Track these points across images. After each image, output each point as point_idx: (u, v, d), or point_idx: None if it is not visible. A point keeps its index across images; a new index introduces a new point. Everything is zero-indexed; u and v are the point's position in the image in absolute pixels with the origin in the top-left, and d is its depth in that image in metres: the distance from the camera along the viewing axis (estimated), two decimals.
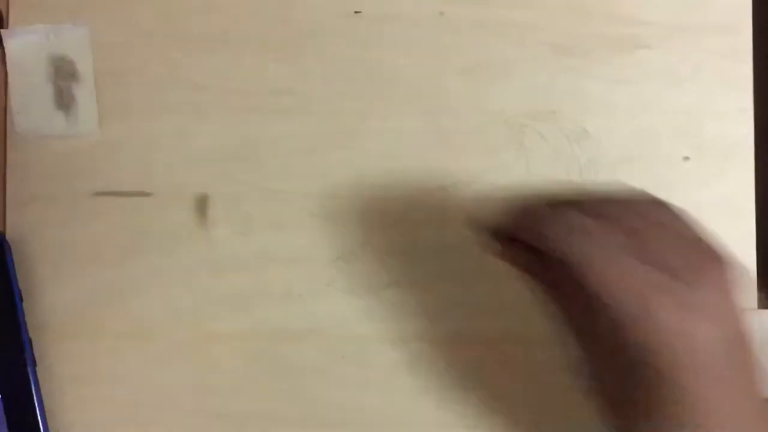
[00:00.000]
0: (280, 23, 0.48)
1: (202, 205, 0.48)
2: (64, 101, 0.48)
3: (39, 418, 0.45)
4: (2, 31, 0.48)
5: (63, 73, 0.48)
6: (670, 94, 0.48)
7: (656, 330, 0.33)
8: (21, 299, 0.46)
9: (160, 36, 0.48)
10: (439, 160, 0.48)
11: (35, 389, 0.45)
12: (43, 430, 0.45)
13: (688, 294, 0.34)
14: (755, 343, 0.35)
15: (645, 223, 0.36)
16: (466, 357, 0.47)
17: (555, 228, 0.36)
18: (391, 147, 0.48)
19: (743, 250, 0.47)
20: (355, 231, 0.47)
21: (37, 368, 0.45)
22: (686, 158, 0.47)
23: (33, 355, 0.45)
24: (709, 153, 0.47)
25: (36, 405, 0.45)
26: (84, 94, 0.48)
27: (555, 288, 0.37)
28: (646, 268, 0.34)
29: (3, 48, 0.48)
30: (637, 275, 0.34)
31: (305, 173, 0.47)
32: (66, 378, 0.47)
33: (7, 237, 0.47)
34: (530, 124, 0.48)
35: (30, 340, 0.45)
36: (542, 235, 0.36)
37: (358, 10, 0.48)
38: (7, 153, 0.48)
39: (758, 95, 0.48)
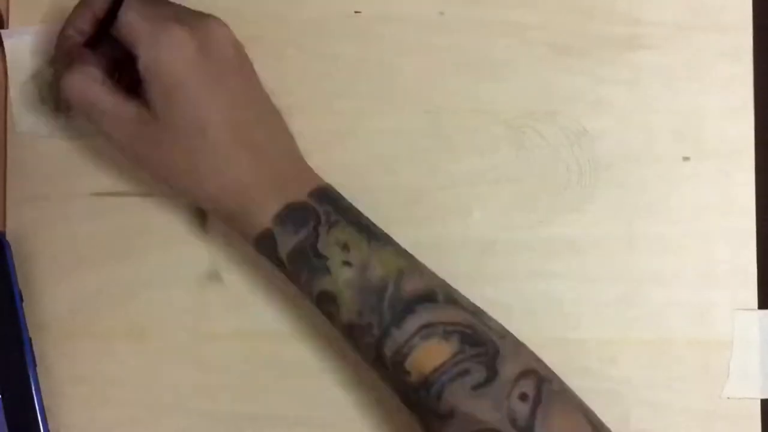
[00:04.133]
0: (279, 23, 0.48)
1: None
2: (64, 101, 0.48)
3: (39, 418, 0.45)
4: (2, 31, 0.48)
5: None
6: (670, 94, 0.48)
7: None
8: (21, 299, 0.46)
9: None
10: (439, 160, 0.48)
11: (35, 389, 0.45)
12: (43, 430, 0.45)
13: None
14: None
15: None
16: None
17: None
18: (391, 147, 0.48)
19: (743, 250, 0.47)
20: None
21: (37, 368, 0.45)
22: (686, 158, 0.47)
23: (33, 355, 0.45)
24: (709, 153, 0.47)
25: (36, 405, 0.45)
26: None
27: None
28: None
29: (3, 48, 0.48)
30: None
31: None
32: (66, 378, 0.47)
33: (7, 237, 0.47)
34: (530, 124, 0.48)
35: (30, 340, 0.45)
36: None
37: (358, 10, 0.48)
38: (7, 153, 0.48)
39: (758, 95, 0.47)
